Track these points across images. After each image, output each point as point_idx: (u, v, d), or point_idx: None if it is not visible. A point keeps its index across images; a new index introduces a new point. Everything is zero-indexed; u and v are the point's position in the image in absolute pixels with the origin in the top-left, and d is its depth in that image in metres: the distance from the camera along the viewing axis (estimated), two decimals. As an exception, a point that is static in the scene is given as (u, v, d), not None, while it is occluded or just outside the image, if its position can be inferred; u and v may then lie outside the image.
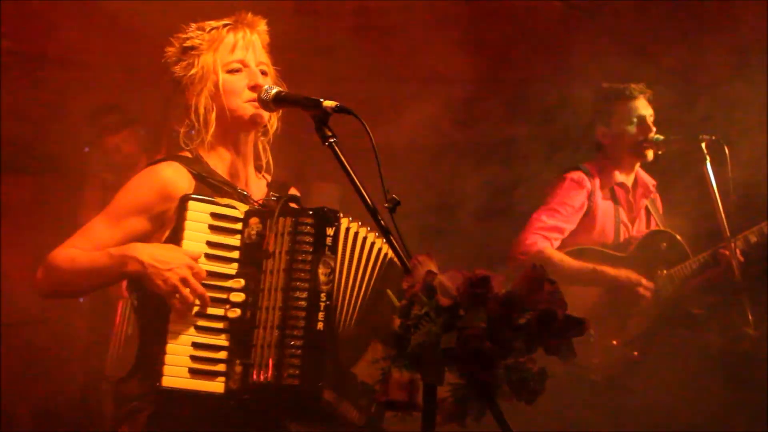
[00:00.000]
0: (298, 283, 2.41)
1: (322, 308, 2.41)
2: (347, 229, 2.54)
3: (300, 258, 2.42)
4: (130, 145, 5.25)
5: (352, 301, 2.55)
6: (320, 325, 2.40)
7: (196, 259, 2.45)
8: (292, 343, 2.38)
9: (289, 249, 2.44)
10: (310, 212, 2.47)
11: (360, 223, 2.58)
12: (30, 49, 5.28)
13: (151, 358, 2.45)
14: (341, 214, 2.51)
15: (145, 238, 2.56)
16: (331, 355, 2.46)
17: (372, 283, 2.59)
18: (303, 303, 2.40)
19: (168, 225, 2.55)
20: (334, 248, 2.47)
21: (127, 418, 2.52)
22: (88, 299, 5.28)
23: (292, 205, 2.57)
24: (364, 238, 2.59)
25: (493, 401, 1.80)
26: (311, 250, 2.43)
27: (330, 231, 2.46)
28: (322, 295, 2.42)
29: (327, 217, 2.47)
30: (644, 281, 4.19)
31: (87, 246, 2.53)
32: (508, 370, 1.79)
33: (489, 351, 1.74)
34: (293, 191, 2.85)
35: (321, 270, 2.43)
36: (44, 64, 5.44)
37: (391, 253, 2.57)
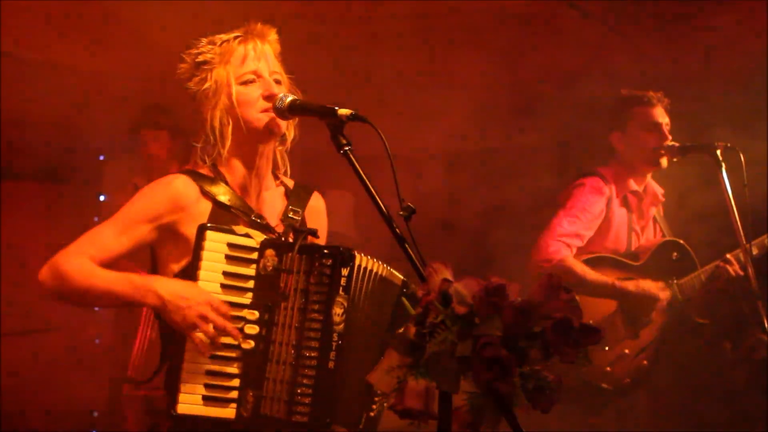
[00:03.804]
0: (312, 324, 2.43)
1: (334, 347, 2.43)
2: (358, 266, 2.52)
3: (314, 299, 2.44)
4: (157, 147, 5.21)
5: (368, 337, 2.55)
6: (332, 364, 2.42)
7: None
8: (304, 381, 2.41)
9: (304, 288, 2.46)
10: (326, 252, 2.48)
11: (372, 258, 2.57)
12: (45, 56, 5.30)
13: (173, 374, 2.47)
14: (355, 252, 2.51)
15: (151, 246, 2.58)
16: (344, 390, 2.47)
17: (386, 316, 2.60)
18: (315, 343, 2.42)
19: (175, 237, 2.56)
20: (348, 288, 2.47)
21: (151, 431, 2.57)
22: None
23: (312, 239, 2.57)
24: (377, 274, 2.58)
25: (508, 410, 1.79)
26: (326, 290, 2.44)
27: (345, 271, 2.46)
28: (335, 335, 2.43)
29: (342, 258, 2.47)
30: (661, 295, 4.17)
31: (95, 252, 2.52)
32: (524, 379, 1.78)
33: (505, 359, 1.73)
34: (315, 197, 2.84)
35: (335, 310, 2.43)
36: (58, 70, 5.46)
37: (392, 277, 2.59)
